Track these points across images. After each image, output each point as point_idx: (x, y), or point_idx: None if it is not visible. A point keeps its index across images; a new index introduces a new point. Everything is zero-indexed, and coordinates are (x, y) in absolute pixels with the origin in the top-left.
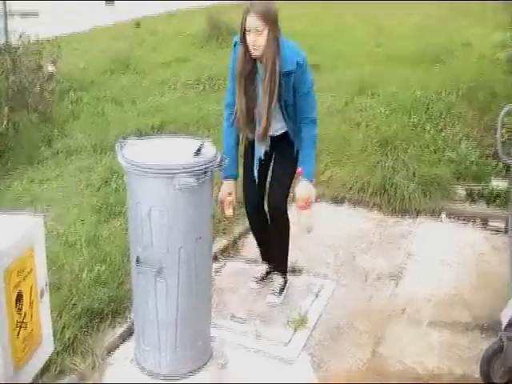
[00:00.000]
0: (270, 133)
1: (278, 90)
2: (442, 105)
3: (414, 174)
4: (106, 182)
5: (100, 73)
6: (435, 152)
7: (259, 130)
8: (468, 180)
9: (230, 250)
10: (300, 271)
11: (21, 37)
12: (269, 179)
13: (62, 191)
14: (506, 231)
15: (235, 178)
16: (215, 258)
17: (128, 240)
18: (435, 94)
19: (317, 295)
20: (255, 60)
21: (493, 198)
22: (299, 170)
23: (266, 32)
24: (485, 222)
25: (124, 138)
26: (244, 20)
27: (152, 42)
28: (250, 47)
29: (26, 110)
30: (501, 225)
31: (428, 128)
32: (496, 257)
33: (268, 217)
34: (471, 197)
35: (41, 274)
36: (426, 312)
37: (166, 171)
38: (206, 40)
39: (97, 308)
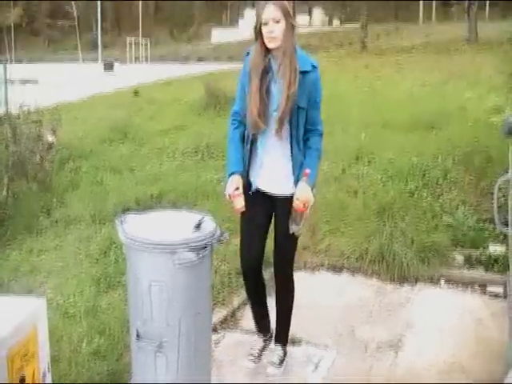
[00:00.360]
0: (273, 190)
1: (296, 81)
2: (439, 171)
3: (412, 241)
4: (105, 252)
5: (99, 141)
6: (433, 218)
7: (278, 120)
8: (466, 246)
9: (229, 321)
10: (299, 342)
11: (21, 106)
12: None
13: (61, 262)
14: (504, 296)
15: (242, 173)
16: (214, 330)
17: (127, 312)
18: (431, 159)
19: (317, 366)
20: (269, 58)
21: (491, 263)
22: (307, 171)
23: (283, 23)
24: (483, 287)
25: (123, 212)
26: (260, 13)
27: (150, 110)
28: (266, 39)
29: (26, 179)
30: (499, 290)
31: (425, 194)
32: (495, 322)
33: (274, 282)
34: (469, 262)
35: (43, 357)
36: (426, 381)
37: (167, 247)
38: (203, 108)
39: (96, 382)
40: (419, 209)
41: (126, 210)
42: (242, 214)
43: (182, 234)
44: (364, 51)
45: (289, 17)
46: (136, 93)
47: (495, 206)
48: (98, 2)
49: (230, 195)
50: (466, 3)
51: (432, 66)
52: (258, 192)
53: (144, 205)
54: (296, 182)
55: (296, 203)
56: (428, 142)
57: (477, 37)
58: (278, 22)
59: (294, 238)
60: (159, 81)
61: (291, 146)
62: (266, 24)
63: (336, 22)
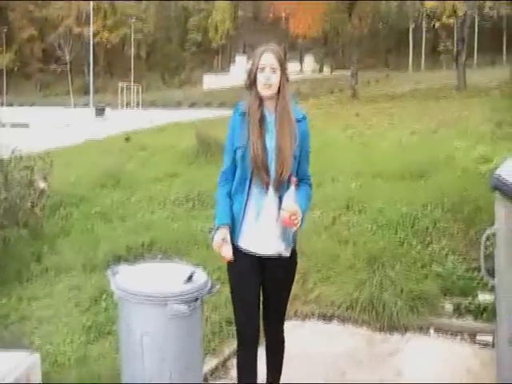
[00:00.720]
0: (264, 250)
1: (296, 133)
2: (428, 220)
3: (401, 290)
4: (96, 300)
5: (90, 188)
6: (422, 267)
7: (280, 177)
8: (455, 294)
9: (220, 371)
10: None
11: (13, 152)
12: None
13: (51, 310)
14: (493, 345)
15: (229, 225)
16: (205, 380)
17: (118, 361)
18: (421, 209)
19: None
20: (263, 109)
21: (480, 312)
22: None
23: (279, 73)
24: (473, 336)
25: (115, 262)
26: (258, 59)
27: (141, 157)
28: (262, 86)
29: (17, 225)
30: (489, 339)
31: (414, 243)
32: (484, 371)
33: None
34: (459, 311)
35: None
36: None
37: (159, 299)
38: (195, 156)
39: None
40: (409, 258)
41: (117, 258)
42: (230, 265)
43: (173, 286)
44: (354, 98)
45: (284, 69)
46: (127, 139)
47: (481, 256)
48: (91, 48)
49: (217, 246)
50: (455, 51)
51: (421, 113)
52: (247, 252)
53: (135, 253)
54: (286, 241)
55: (282, 214)
56: (417, 192)
57: (465, 84)
58: (274, 71)
59: (287, 296)
60: (151, 127)
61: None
62: (262, 70)
63: (326, 69)
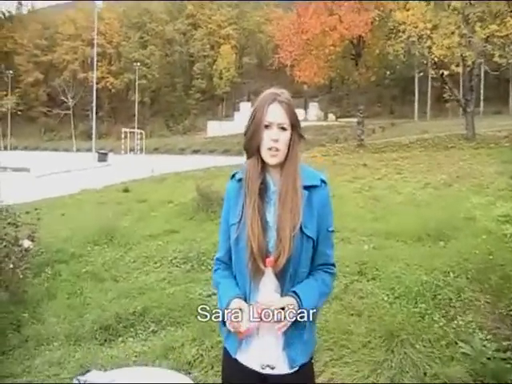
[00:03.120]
0: (270, 368)
1: (301, 210)
2: (451, 289)
3: (425, 373)
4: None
5: (83, 243)
6: (447, 346)
7: (277, 261)
8: (486, 379)
9: None
10: None
11: None
12: None
13: None
14: None
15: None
16: None
17: None
18: (442, 275)
19: None
20: (265, 175)
21: None
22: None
23: (289, 131)
24: None
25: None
26: (262, 112)
27: (139, 211)
28: (266, 151)
29: None
30: None
31: (437, 318)
32: None
33: None
34: None
35: None
36: None
37: None
38: (195, 211)
39: None
40: (431, 334)
41: (105, 328)
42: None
43: None
44: (360, 148)
45: (297, 125)
46: (126, 190)
47: None
48: (94, 94)
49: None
50: (463, 101)
51: (431, 164)
52: (247, 368)
53: (125, 323)
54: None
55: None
56: (437, 256)
57: (474, 134)
58: (284, 129)
59: None
60: (151, 176)
61: (282, 293)
62: (268, 126)
63: (331, 117)
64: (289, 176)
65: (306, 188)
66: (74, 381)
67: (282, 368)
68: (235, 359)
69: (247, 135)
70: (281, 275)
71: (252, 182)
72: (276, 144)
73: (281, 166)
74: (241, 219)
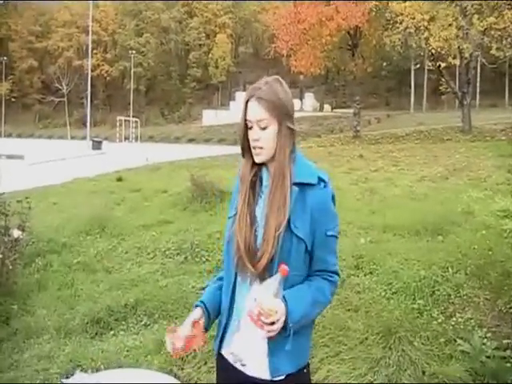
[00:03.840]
0: (248, 369)
1: (288, 208)
2: (450, 285)
3: (423, 372)
4: (67, 377)
5: (75, 233)
6: (446, 344)
7: (260, 259)
8: (486, 379)
9: None
10: None
11: None
12: None
13: None
14: None
15: (204, 306)
16: None
17: None
18: (441, 271)
19: None
20: (259, 167)
21: None
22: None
23: (273, 127)
24: None
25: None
26: (244, 110)
27: (132, 201)
28: (252, 149)
29: None
30: None
31: (435, 314)
32: None
33: None
34: None
35: None
36: None
37: None
38: (189, 201)
39: None
40: (430, 332)
41: (96, 322)
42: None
43: None
44: (356, 139)
45: (284, 117)
46: (120, 179)
47: None
48: (89, 82)
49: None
50: (459, 93)
51: (428, 157)
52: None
53: (116, 316)
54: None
55: (250, 307)
56: (435, 251)
57: (470, 127)
58: (264, 128)
59: None
60: (146, 165)
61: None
62: (250, 128)
63: (327, 108)
64: (277, 171)
65: (298, 185)
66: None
67: (264, 374)
68: (220, 354)
69: (239, 135)
70: (263, 279)
71: (244, 178)
72: (257, 143)
73: (272, 162)
74: (236, 212)
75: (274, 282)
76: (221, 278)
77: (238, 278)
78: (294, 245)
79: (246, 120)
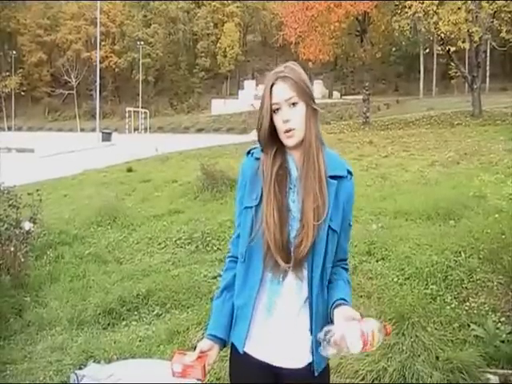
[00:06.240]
0: (280, 361)
1: (326, 197)
2: (463, 270)
3: (437, 357)
4: (80, 368)
5: (86, 224)
6: (459, 329)
7: (297, 251)
8: (500, 364)
9: None
10: None
11: (0, 189)
12: None
13: (27, 377)
14: None
15: (216, 338)
16: None
17: None
18: (453, 256)
19: None
20: (284, 158)
21: None
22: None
23: (302, 106)
24: None
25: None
26: (267, 95)
27: (143, 191)
28: (282, 132)
29: None
30: None
31: (449, 299)
32: None
33: None
34: None
35: None
36: None
37: None
38: (200, 190)
39: None
40: (443, 317)
41: (108, 312)
42: (233, 375)
43: None
44: (366, 125)
45: (308, 97)
46: (130, 170)
47: None
48: (97, 74)
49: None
50: (469, 77)
51: (438, 141)
52: (257, 362)
53: (129, 306)
54: (313, 347)
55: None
56: (447, 236)
57: (481, 111)
58: (294, 104)
59: None
60: (155, 155)
61: (310, 291)
62: (277, 110)
63: (336, 94)
64: (306, 156)
65: (334, 178)
66: (72, 376)
67: (305, 369)
68: (243, 353)
69: (258, 126)
70: (307, 280)
71: (267, 171)
72: (288, 124)
73: (301, 148)
74: (259, 204)
75: (375, 324)
76: (227, 287)
77: (269, 275)
78: (330, 238)
79: (271, 106)
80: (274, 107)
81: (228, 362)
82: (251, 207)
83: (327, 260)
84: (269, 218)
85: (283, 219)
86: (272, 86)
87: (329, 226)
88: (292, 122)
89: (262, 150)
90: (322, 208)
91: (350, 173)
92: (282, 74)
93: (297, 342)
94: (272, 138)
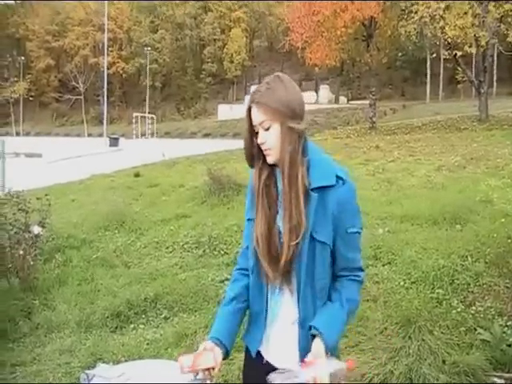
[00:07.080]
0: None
1: (304, 211)
2: (469, 274)
3: (443, 361)
4: (88, 369)
5: (94, 229)
6: (466, 333)
7: (280, 266)
8: (507, 368)
9: None
10: None
11: (9, 193)
12: None
13: (36, 379)
14: None
15: (223, 348)
16: None
17: None
18: (460, 260)
19: None
20: (271, 171)
21: None
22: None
23: (276, 127)
24: None
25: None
26: (247, 117)
27: (150, 196)
28: (263, 149)
29: (6, 276)
30: None
31: (455, 303)
32: None
33: None
34: None
35: None
36: None
37: None
38: (207, 195)
39: None
40: (449, 321)
41: (116, 315)
42: (245, 376)
43: None
44: (372, 130)
45: (284, 117)
46: (137, 175)
47: None
48: (105, 79)
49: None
50: (476, 82)
51: (445, 146)
52: (268, 364)
53: (136, 310)
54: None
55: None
56: (454, 240)
57: (487, 116)
58: (267, 128)
59: None
60: (162, 160)
61: (298, 305)
62: (257, 132)
63: (343, 99)
64: (285, 173)
65: (317, 189)
66: (82, 376)
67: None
68: (258, 355)
69: (244, 144)
70: (297, 286)
71: (255, 187)
72: (264, 146)
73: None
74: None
75: (337, 365)
76: (237, 297)
77: (269, 285)
78: (318, 250)
79: (250, 127)
80: (254, 129)
81: (234, 365)
82: (252, 219)
83: (317, 273)
84: (258, 231)
85: (271, 233)
86: (249, 109)
87: (314, 239)
88: (267, 143)
89: (251, 166)
90: (298, 227)
91: (340, 179)
92: (256, 100)
93: (296, 349)
94: (259, 152)
